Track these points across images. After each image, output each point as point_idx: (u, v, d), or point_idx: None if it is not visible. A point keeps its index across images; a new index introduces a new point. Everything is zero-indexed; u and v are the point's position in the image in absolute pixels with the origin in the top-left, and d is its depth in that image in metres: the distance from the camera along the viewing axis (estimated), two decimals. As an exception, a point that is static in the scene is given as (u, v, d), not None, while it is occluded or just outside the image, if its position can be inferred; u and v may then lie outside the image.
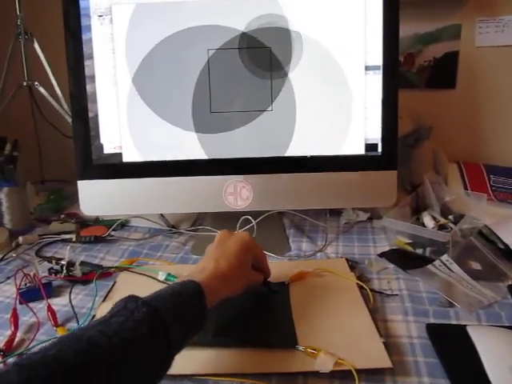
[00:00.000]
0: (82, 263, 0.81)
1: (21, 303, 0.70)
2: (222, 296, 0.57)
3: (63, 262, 0.79)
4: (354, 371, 0.52)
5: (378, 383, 0.53)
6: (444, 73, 1.15)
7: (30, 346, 0.62)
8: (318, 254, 0.86)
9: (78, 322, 0.67)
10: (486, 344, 0.57)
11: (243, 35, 0.81)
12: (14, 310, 0.67)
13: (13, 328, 0.65)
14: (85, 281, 0.77)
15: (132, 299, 0.46)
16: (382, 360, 0.54)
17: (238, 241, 0.64)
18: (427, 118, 1.08)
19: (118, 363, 0.40)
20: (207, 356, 0.57)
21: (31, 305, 0.69)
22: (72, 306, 0.70)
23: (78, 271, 0.78)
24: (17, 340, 0.63)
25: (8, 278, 0.80)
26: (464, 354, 0.56)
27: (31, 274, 0.74)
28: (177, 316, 0.47)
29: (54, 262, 0.82)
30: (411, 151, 1.08)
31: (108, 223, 1.00)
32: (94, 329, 0.41)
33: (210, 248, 0.64)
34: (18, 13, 1.06)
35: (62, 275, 0.77)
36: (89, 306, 0.70)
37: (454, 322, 0.64)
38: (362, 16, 0.82)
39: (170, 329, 0.45)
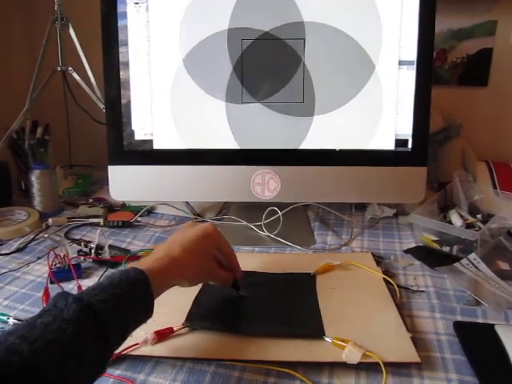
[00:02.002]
0: (110, 247, 0.82)
1: (52, 282, 0.72)
2: (173, 282, 0.55)
3: (92, 245, 0.81)
4: (381, 364, 0.52)
5: (404, 377, 0.53)
6: (476, 70, 1.13)
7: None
8: (343, 248, 0.86)
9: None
10: (516, 344, 0.57)
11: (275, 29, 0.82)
12: (46, 288, 0.69)
13: (44, 306, 0.66)
14: (113, 264, 0.79)
15: (62, 296, 0.43)
16: (410, 354, 0.54)
17: (199, 229, 0.61)
18: (457, 116, 1.06)
19: (40, 369, 0.37)
20: (235, 342, 0.57)
21: (61, 285, 0.71)
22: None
23: (106, 254, 0.80)
24: (49, 318, 0.65)
25: (39, 257, 0.82)
26: (492, 352, 0.56)
27: (61, 254, 0.76)
28: (115, 308, 0.45)
29: (82, 244, 0.83)
30: (440, 148, 1.07)
31: (134, 209, 1.02)
32: (17, 333, 0.38)
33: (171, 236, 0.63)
34: (56, -2, 1.08)
35: (91, 257, 0.79)
36: (117, 288, 0.72)
37: (481, 320, 0.64)
38: (398, 10, 0.81)
39: (106, 323, 0.43)
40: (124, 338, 0.47)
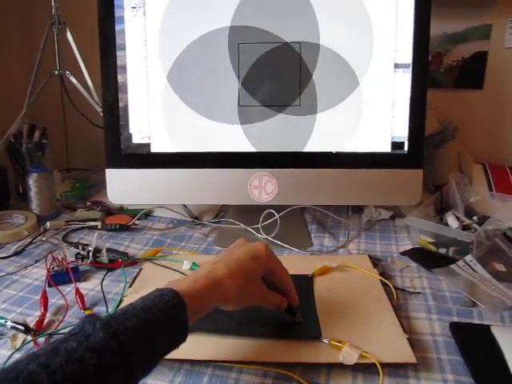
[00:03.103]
0: (108, 250, 0.82)
1: (50, 285, 0.72)
2: (213, 305, 0.52)
3: (90, 248, 0.81)
4: (378, 365, 0.53)
5: (401, 378, 0.53)
6: (472, 73, 1.14)
7: (59, 327, 0.63)
8: (340, 250, 0.86)
9: (106, 307, 0.68)
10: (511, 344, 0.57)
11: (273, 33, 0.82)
12: (44, 291, 0.69)
13: (42, 309, 0.66)
14: (111, 267, 0.79)
15: (90, 320, 0.41)
16: (407, 355, 0.55)
17: (249, 248, 0.57)
18: (453, 118, 1.07)
19: None
20: (232, 344, 0.58)
21: (59, 288, 0.71)
22: (103, 291, 0.72)
23: (104, 257, 0.80)
24: (46, 321, 0.65)
25: (36, 261, 0.82)
26: (488, 353, 0.56)
27: (59, 258, 0.76)
28: (143, 337, 0.43)
29: (80, 247, 0.84)
30: (436, 151, 1.07)
31: (132, 212, 1.02)
32: (38, 360, 0.37)
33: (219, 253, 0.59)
34: (53, 2, 1.08)
35: (89, 261, 0.79)
36: (115, 291, 0.72)
37: (477, 321, 0.64)
38: (393, 13, 0.81)
39: (132, 353, 0.41)
40: (152, 367, 0.45)
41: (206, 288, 0.50)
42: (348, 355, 0.54)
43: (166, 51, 0.84)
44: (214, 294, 0.51)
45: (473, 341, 0.59)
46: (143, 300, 0.46)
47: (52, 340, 0.41)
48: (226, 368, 0.55)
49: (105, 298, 0.70)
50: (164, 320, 0.45)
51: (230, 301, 0.54)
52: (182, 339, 0.47)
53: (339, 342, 0.55)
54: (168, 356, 0.55)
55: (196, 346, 0.57)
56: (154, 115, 0.86)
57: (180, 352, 0.55)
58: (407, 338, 0.58)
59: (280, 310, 0.59)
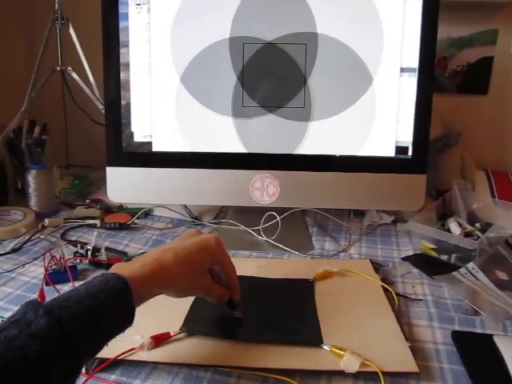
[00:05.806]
0: (107, 249, 0.81)
1: (47, 284, 0.71)
2: (158, 292, 0.52)
3: (89, 247, 0.80)
4: (380, 374, 0.52)
5: (402, 387, 0.53)
6: (477, 78, 1.14)
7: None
8: (341, 254, 0.86)
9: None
10: (514, 355, 0.56)
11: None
12: (42, 290, 0.68)
13: (40, 308, 0.65)
14: (110, 266, 0.78)
15: (32, 307, 0.40)
16: (409, 364, 0.54)
17: (200, 239, 0.57)
18: (457, 123, 1.06)
19: None
20: (232, 349, 0.57)
21: (57, 287, 0.70)
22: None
23: (103, 256, 0.79)
24: (43, 320, 0.64)
25: (34, 259, 0.81)
26: (491, 363, 0.56)
27: (57, 256, 0.75)
28: (87, 323, 0.42)
29: (79, 245, 0.83)
30: (439, 156, 1.07)
31: (131, 211, 1.01)
32: None
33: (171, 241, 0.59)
34: (57, -2, 1.07)
35: (87, 260, 0.78)
36: (113, 291, 0.71)
37: (479, 330, 0.64)
38: (401, 17, 0.81)
39: (75, 339, 0.40)
40: (97, 352, 0.44)
41: (153, 274, 0.50)
42: (349, 363, 0.53)
43: (176, 52, 0.83)
44: (159, 280, 0.51)
45: (475, 350, 0.58)
46: (87, 285, 0.46)
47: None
48: (226, 373, 0.54)
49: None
50: (109, 306, 0.45)
51: (175, 288, 0.54)
52: (128, 324, 0.47)
53: (341, 350, 0.55)
54: (167, 360, 0.55)
55: (196, 349, 0.57)
56: (159, 113, 0.85)
57: (179, 356, 0.55)
58: (409, 347, 0.57)
59: (221, 303, 0.59)
